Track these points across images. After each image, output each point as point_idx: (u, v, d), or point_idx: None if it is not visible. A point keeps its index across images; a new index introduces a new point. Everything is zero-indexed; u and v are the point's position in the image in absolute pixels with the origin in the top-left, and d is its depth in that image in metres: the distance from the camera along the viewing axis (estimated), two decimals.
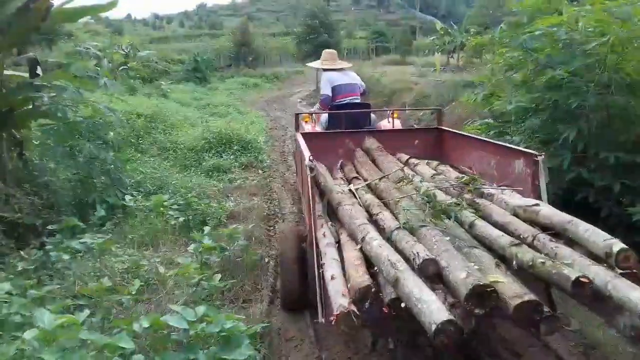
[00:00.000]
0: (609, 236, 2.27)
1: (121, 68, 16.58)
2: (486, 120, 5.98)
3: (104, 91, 7.30)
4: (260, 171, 8.30)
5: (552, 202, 3.02)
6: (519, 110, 5.04)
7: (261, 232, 5.41)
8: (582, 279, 2.07)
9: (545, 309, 2.14)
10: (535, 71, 4.93)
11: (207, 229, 4.63)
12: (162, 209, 5.23)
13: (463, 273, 2.13)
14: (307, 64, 7.56)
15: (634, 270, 2.11)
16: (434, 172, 3.99)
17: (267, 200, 6.81)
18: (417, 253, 2.32)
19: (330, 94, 5.67)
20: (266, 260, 4.63)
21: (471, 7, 26.64)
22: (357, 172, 4.36)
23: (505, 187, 3.29)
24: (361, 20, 59.19)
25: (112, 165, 5.66)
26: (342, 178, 4.30)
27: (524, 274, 2.35)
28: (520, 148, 3.59)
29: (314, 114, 6.00)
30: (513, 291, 2.12)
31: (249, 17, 70.94)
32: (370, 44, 36.15)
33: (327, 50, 6.38)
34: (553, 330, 2.20)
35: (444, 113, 5.45)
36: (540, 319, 2.11)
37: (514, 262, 2.40)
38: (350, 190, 3.58)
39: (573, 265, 2.19)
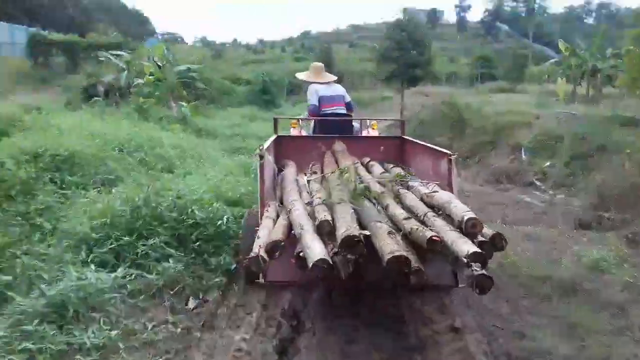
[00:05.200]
0: (466, 209, 3.01)
1: (135, 82, 13.20)
2: None
3: None
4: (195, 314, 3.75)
5: None
6: None
7: None
8: (434, 238, 2.81)
9: (415, 264, 2.75)
10: None
11: None
12: None
13: (343, 229, 2.90)
14: (296, 75, 7.18)
15: (478, 234, 2.89)
16: (383, 170, 4.85)
17: None
18: (318, 217, 3.15)
19: (317, 104, 6.09)
20: None
21: (589, 37, 21.62)
22: (321, 169, 5.00)
23: (428, 182, 4.01)
24: (465, 49, 53.36)
25: None
26: (308, 173, 4.96)
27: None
28: (442, 150, 4.21)
29: (301, 121, 6.73)
30: (390, 249, 2.74)
31: (351, 44, 67.75)
32: (474, 70, 30.71)
33: (314, 63, 6.77)
34: (420, 281, 2.76)
35: (406, 123, 6.67)
36: (409, 272, 2.71)
37: (402, 231, 3.10)
38: (301, 179, 4.54)
39: (436, 230, 2.93)
